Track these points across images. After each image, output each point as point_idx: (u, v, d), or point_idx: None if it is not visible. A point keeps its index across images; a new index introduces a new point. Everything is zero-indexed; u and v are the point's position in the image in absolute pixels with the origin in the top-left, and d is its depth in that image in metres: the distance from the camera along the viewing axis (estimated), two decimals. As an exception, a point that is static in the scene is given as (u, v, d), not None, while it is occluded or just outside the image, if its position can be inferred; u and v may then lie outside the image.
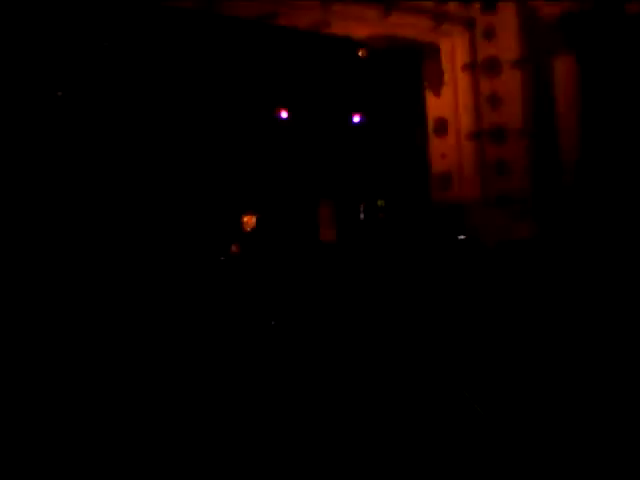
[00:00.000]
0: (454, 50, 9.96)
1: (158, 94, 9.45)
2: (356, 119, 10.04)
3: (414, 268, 9.16)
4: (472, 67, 9.93)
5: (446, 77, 10.11)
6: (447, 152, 10.31)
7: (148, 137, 9.44)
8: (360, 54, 9.85)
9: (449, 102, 10.19)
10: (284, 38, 9.75)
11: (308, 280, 8.63)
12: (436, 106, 10.28)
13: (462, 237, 9.58)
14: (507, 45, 9.82)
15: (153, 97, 9.43)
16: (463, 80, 10.04)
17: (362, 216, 10.90)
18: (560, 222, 9.58)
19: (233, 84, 9.86)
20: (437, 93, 10.24)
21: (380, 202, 10.80)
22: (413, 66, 10.22)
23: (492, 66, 9.87)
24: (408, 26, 9.62)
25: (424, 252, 9.59)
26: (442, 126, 10.29)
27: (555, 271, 8.27)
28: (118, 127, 9.29)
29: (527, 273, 8.43)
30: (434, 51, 10.04)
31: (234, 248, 7.52)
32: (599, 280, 7.70)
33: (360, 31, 9.70)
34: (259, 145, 10.05)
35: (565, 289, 7.67)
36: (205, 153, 9.83)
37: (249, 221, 7.76)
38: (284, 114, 10.08)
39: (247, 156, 9.97)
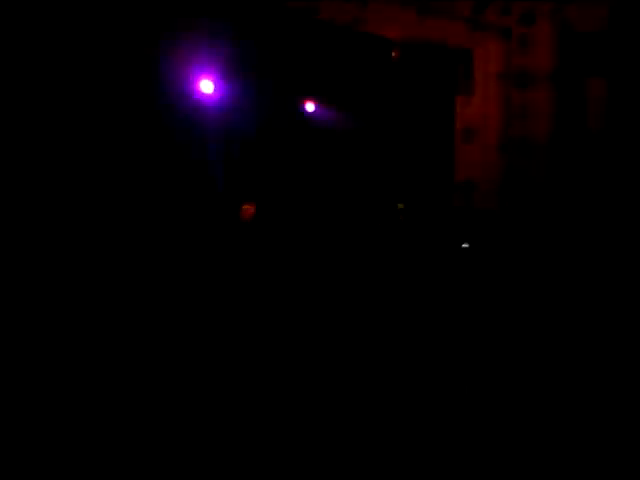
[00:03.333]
0: (488, 58, 9.87)
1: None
2: (380, 119, 10.00)
3: (425, 271, 9.12)
4: (504, 77, 9.83)
5: (477, 85, 10.03)
6: (472, 160, 10.24)
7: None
8: (393, 55, 9.83)
9: (478, 110, 10.11)
10: (321, 32, 9.78)
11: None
12: (465, 113, 10.21)
13: (466, 245, 9.51)
14: (541, 58, 9.70)
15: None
16: (494, 89, 9.95)
17: (382, 217, 10.87)
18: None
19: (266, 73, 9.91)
20: (467, 100, 10.16)
21: (400, 205, 10.76)
22: (445, 71, 10.15)
23: (524, 77, 9.76)
24: (442, 31, 9.57)
25: (438, 257, 9.54)
26: (469, 134, 10.22)
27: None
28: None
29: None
30: (467, 58, 9.96)
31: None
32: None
33: (394, 32, 9.69)
34: (278, 140, 10.05)
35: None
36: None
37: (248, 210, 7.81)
38: (310, 107, 10.05)
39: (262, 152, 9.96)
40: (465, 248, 9.45)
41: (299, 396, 4.89)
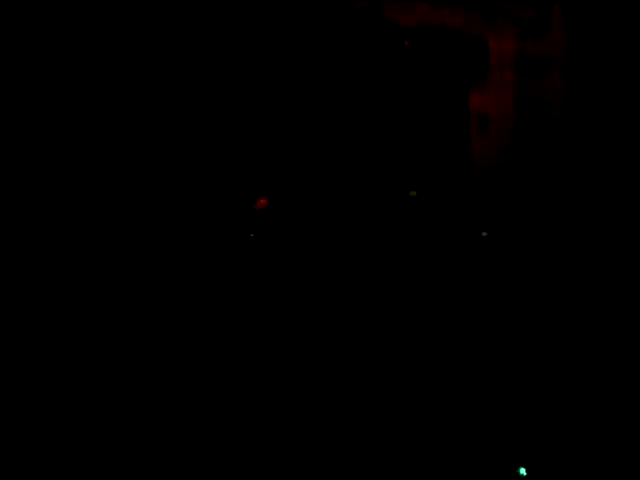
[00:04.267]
0: (503, 46, 9.79)
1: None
2: (396, 107, 9.94)
3: (441, 260, 9.11)
4: (520, 65, 9.75)
5: (492, 73, 9.96)
6: (487, 149, 10.19)
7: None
8: (406, 42, 9.77)
9: (493, 98, 10.04)
10: (335, 16, 9.71)
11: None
12: (480, 102, 10.14)
13: (485, 234, 9.50)
14: (558, 46, 9.62)
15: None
16: (510, 77, 9.88)
17: (394, 205, 10.83)
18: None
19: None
20: (482, 89, 10.09)
21: (412, 193, 10.72)
22: (460, 59, 10.08)
23: (540, 66, 9.69)
24: (457, 18, 9.49)
25: (454, 246, 9.52)
26: (484, 122, 10.16)
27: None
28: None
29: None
30: (482, 46, 9.88)
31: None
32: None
33: (408, 19, 9.61)
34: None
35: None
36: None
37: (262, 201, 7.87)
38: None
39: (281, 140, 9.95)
40: (484, 236, 9.45)
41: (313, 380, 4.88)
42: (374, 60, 9.88)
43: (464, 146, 10.43)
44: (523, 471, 3.51)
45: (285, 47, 9.60)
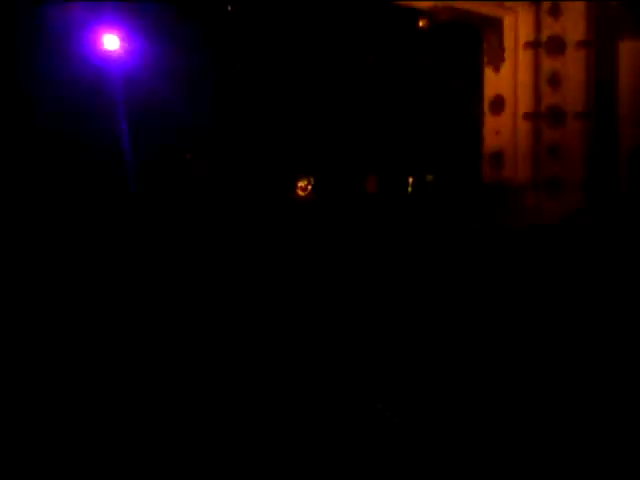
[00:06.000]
0: (517, 26, 9.72)
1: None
2: (411, 91, 9.87)
3: (451, 245, 9.05)
4: (535, 45, 9.69)
5: (507, 53, 9.89)
6: (502, 130, 10.12)
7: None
8: (421, 24, 9.69)
9: (508, 79, 9.98)
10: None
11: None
12: (494, 83, 10.08)
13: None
14: (573, 25, 9.55)
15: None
16: (524, 57, 9.81)
17: (410, 190, 10.80)
18: (612, 209, 9.37)
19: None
20: (496, 69, 10.03)
21: (429, 177, 10.68)
22: (474, 40, 10.02)
23: (555, 45, 9.63)
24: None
25: (467, 231, 9.47)
26: (499, 103, 10.10)
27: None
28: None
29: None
30: (497, 26, 9.82)
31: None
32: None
33: (423, 1, 9.54)
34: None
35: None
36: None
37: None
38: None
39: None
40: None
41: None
42: (391, 43, 9.81)
43: (477, 128, 10.37)
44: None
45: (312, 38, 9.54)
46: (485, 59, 10.10)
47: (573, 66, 9.56)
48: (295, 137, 9.67)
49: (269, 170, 9.40)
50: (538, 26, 9.66)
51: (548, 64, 9.70)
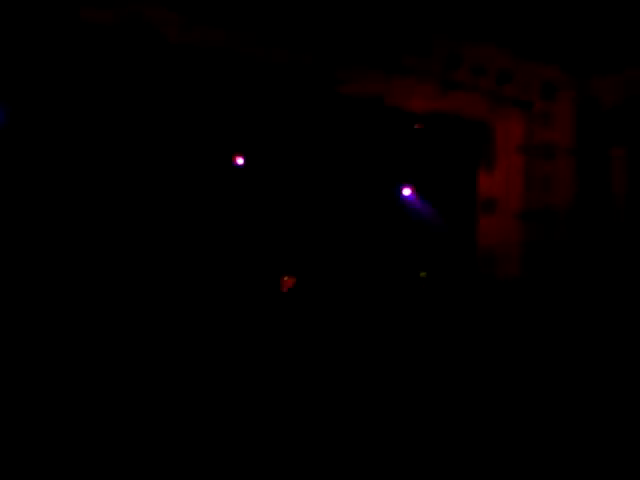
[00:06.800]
0: (509, 131, 10.02)
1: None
2: (406, 191, 10.13)
3: (451, 340, 9.14)
4: (526, 150, 9.95)
5: (499, 157, 10.15)
6: (495, 231, 10.29)
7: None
8: (416, 126, 10.00)
9: (500, 182, 10.21)
10: (346, 105, 9.94)
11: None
12: (487, 184, 10.31)
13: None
14: (563, 132, 9.84)
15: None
16: (516, 162, 10.07)
17: (404, 286, 10.93)
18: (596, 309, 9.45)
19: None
20: (489, 172, 10.28)
21: (422, 274, 10.83)
22: (467, 143, 10.31)
23: (546, 151, 9.89)
24: (464, 104, 9.71)
25: (463, 325, 9.56)
26: (491, 204, 10.30)
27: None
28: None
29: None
30: (489, 131, 10.11)
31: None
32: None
33: (417, 104, 9.84)
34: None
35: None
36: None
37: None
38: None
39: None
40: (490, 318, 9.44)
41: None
42: (385, 142, 10.12)
43: (470, 228, 10.57)
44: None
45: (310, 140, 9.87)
46: (479, 161, 10.36)
47: (563, 172, 9.80)
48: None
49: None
50: (530, 132, 9.95)
51: (539, 169, 9.94)
